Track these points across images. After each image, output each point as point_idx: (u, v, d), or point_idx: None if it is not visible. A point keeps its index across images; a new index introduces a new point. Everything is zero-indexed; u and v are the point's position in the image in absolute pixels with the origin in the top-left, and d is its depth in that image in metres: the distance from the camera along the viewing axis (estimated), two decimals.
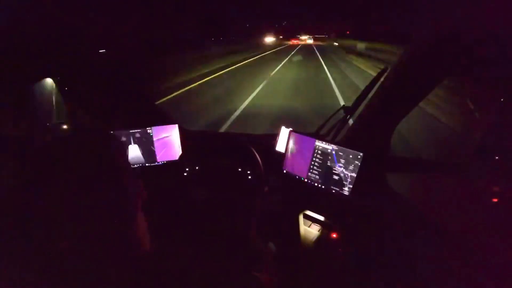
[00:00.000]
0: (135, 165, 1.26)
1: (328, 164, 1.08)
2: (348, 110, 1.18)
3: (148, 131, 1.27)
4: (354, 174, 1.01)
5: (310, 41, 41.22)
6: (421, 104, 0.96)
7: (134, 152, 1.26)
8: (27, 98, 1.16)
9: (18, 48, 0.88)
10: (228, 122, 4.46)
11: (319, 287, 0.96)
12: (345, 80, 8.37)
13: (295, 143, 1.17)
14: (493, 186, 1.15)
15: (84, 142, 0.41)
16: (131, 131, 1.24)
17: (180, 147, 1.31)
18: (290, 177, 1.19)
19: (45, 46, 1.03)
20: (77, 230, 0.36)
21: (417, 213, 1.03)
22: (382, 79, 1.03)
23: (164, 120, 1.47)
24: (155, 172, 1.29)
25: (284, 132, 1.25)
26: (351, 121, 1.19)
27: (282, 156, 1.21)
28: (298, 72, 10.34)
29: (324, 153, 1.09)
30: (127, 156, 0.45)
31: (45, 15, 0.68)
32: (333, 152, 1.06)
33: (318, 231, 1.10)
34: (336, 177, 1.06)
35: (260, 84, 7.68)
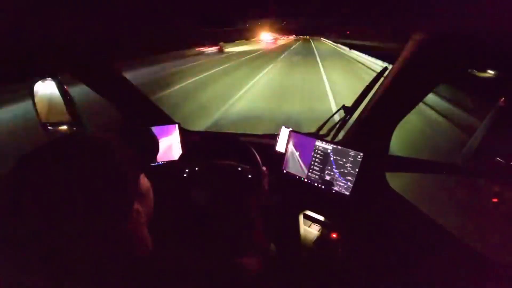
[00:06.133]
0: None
1: (328, 164, 1.08)
2: (348, 110, 1.18)
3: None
4: (354, 174, 1.01)
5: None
6: (421, 103, 0.97)
7: None
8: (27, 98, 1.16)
9: (19, 48, 0.87)
10: None
11: (319, 287, 0.96)
12: None
13: (295, 143, 1.17)
14: (493, 186, 1.15)
15: (85, 141, 0.41)
16: None
17: (180, 147, 1.31)
18: (290, 177, 1.20)
19: (45, 46, 1.03)
20: (77, 231, 0.36)
21: (417, 213, 1.03)
22: (382, 79, 1.03)
23: (164, 120, 1.47)
24: (155, 173, 1.28)
25: (284, 132, 1.25)
26: (351, 121, 1.19)
27: (282, 156, 1.21)
28: None
29: (324, 153, 1.09)
30: (132, 155, 0.44)
31: (45, 15, 0.68)
32: (333, 152, 1.06)
33: (318, 231, 1.10)
34: (336, 177, 1.06)
35: None
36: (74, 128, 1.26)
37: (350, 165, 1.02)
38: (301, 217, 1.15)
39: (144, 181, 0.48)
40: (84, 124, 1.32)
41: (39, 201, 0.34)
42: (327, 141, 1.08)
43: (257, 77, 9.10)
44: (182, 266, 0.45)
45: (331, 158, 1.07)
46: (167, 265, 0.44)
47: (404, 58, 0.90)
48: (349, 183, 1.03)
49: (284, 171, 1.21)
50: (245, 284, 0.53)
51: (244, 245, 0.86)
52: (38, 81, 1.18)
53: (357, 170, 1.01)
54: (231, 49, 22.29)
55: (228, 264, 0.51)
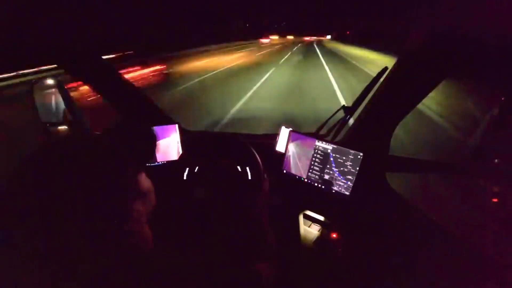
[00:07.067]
0: None
1: (328, 164, 1.08)
2: (348, 110, 1.18)
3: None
4: (354, 174, 1.01)
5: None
6: (421, 103, 0.97)
7: None
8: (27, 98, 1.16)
9: (19, 47, 0.88)
10: None
11: (319, 287, 0.96)
12: None
13: (295, 143, 1.17)
14: (493, 186, 1.15)
15: (84, 142, 0.41)
16: None
17: (180, 147, 1.31)
18: (290, 177, 1.19)
19: (45, 45, 1.03)
20: (77, 230, 0.36)
21: (417, 213, 1.03)
22: (382, 79, 1.03)
23: (164, 120, 1.47)
24: (155, 172, 1.28)
25: (284, 132, 1.25)
26: (351, 121, 1.19)
27: (282, 156, 1.21)
28: None
29: (324, 153, 1.09)
30: (130, 154, 0.44)
31: (46, 15, 0.68)
32: (333, 152, 1.06)
33: (318, 231, 1.10)
34: (336, 177, 1.06)
35: None
36: (74, 128, 1.26)
37: (350, 164, 1.02)
38: (301, 217, 1.15)
39: (144, 180, 0.48)
40: (84, 124, 1.32)
41: (39, 202, 0.34)
42: (327, 141, 1.08)
43: None
44: (183, 265, 0.45)
45: (331, 158, 1.07)
46: (167, 265, 0.44)
47: (404, 58, 0.90)
48: (349, 182, 1.03)
49: (284, 171, 1.21)
50: None
51: (246, 245, 0.86)
52: (38, 81, 1.18)
53: (357, 170, 1.01)
54: None
55: (242, 270, 0.51)
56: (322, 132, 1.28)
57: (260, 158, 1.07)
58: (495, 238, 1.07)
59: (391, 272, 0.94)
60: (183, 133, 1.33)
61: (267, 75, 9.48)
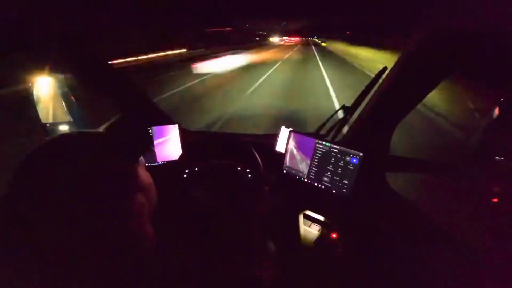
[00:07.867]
0: None
1: (328, 164, 1.08)
2: (348, 110, 1.18)
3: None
4: (354, 174, 1.01)
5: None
6: (421, 103, 0.97)
7: None
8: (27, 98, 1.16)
9: (19, 47, 0.88)
10: None
11: (319, 287, 0.96)
12: None
13: (295, 143, 1.17)
14: (493, 186, 1.15)
15: (80, 140, 0.41)
16: None
17: (180, 147, 1.31)
18: (290, 177, 1.19)
19: (46, 45, 1.03)
20: (78, 229, 0.36)
21: (417, 213, 1.03)
22: (382, 79, 1.03)
23: (164, 120, 1.47)
24: (155, 172, 1.28)
25: (284, 132, 1.25)
26: (351, 121, 1.19)
27: (282, 156, 1.21)
28: None
29: (324, 153, 1.09)
30: (131, 154, 0.44)
31: (46, 15, 0.68)
32: (333, 152, 1.06)
33: (318, 231, 1.10)
34: (336, 177, 1.06)
35: None
36: (74, 128, 1.26)
37: (350, 165, 1.02)
38: (301, 217, 1.15)
39: (145, 175, 0.48)
40: (84, 124, 1.32)
41: (39, 201, 0.34)
42: (327, 141, 1.08)
43: None
44: (183, 265, 0.45)
45: (331, 158, 1.07)
46: (167, 265, 0.44)
47: (404, 57, 0.90)
48: (349, 183, 1.03)
49: (284, 171, 1.21)
50: None
51: (241, 244, 0.86)
52: (38, 81, 1.18)
53: (357, 170, 1.00)
54: None
55: (242, 275, 0.51)
56: (322, 132, 1.28)
57: (260, 158, 1.07)
58: (495, 238, 1.07)
59: (391, 272, 0.93)
60: (183, 133, 1.33)
61: None
